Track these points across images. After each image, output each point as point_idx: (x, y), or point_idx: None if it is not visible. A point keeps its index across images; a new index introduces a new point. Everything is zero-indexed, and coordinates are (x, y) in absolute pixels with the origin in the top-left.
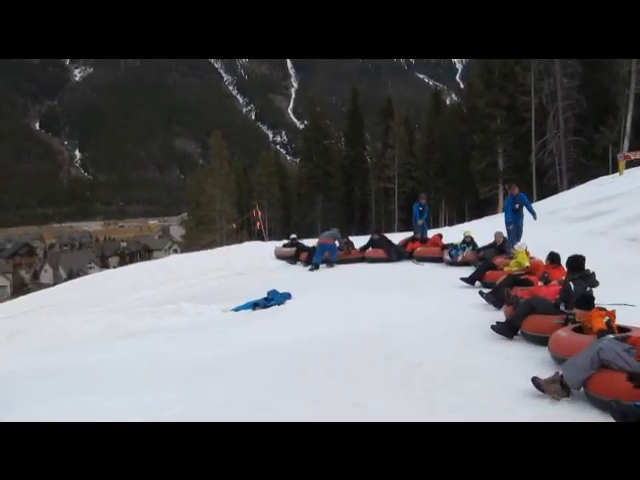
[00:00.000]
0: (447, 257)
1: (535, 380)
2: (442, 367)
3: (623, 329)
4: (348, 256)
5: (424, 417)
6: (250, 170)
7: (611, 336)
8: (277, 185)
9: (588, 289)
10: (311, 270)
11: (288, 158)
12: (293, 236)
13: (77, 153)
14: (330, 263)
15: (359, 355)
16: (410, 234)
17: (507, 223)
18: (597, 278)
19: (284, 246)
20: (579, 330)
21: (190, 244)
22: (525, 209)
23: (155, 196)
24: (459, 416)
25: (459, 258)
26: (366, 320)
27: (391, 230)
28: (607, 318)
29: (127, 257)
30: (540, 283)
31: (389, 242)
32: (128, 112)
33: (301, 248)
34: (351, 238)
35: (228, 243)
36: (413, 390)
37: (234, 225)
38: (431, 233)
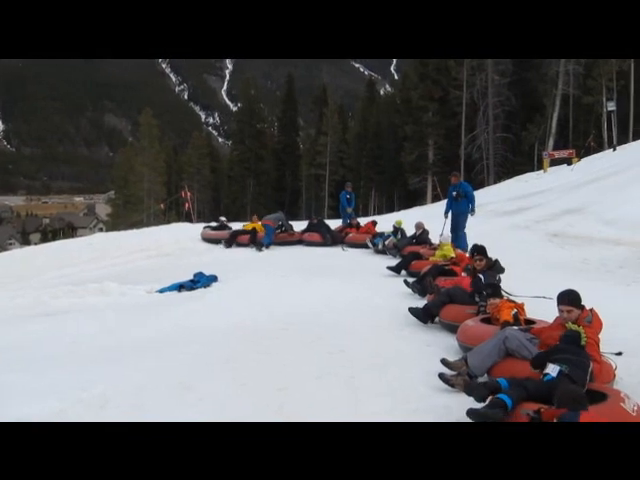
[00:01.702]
0: (369, 245)
1: (442, 376)
2: (365, 353)
3: (529, 321)
4: (291, 238)
5: (346, 402)
6: (181, 150)
7: (515, 327)
8: (208, 167)
9: (497, 278)
10: (259, 251)
11: (220, 140)
12: (222, 219)
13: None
14: (263, 246)
15: (284, 339)
16: (341, 221)
17: (445, 212)
18: (520, 271)
19: (213, 229)
20: (487, 321)
21: (116, 223)
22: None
23: (82, 172)
24: (381, 402)
25: (379, 246)
26: (292, 305)
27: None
28: (515, 310)
29: (50, 234)
30: (464, 274)
31: (327, 227)
32: (56, 85)
33: (240, 232)
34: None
35: (156, 223)
36: (336, 375)
37: (162, 205)
38: (364, 221)
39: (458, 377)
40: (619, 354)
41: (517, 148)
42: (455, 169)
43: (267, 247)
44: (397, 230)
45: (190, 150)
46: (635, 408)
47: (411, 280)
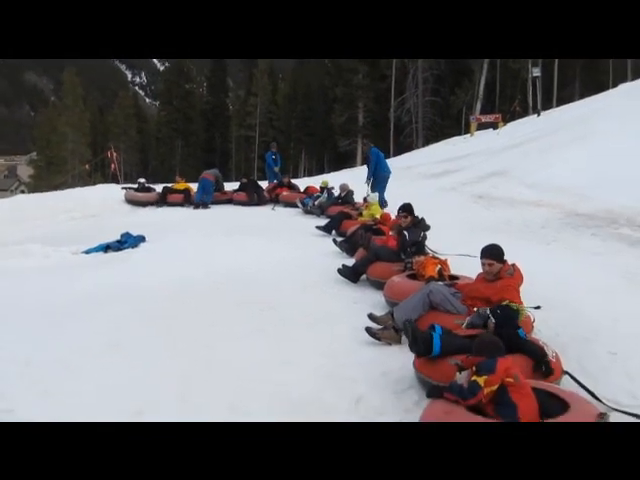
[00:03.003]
0: (299, 205)
1: (369, 330)
2: (295, 310)
3: (454, 277)
4: (222, 197)
5: (274, 358)
6: (106, 110)
7: (440, 282)
8: (134, 128)
9: (422, 234)
10: (196, 209)
11: (147, 100)
12: (142, 180)
13: None
14: (205, 204)
15: (214, 299)
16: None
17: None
18: (446, 231)
19: (136, 190)
20: (413, 277)
21: (39, 185)
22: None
23: (2, 133)
24: (309, 357)
25: (309, 207)
26: (221, 264)
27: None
28: (439, 267)
29: None
30: (392, 233)
31: (256, 187)
32: None
33: (171, 191)
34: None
35: (81, 185)
36: (266, 332)
37: (87, 166)
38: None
39: (384, 331)
40: (538, 308)
41: (445, 112)
42: (384, 132)
43: (207, 206)
44: (324, 190)
45: (116, 110)
46: (553, 355)
47: (339, 239)
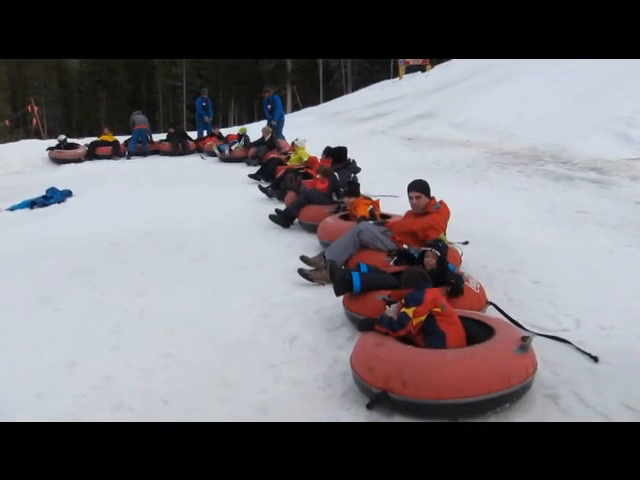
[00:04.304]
0: (216, 151)
1: (302, 271)
2: (226, 257)
3: (385, 216)
4: (151, 147)
5: (206, 301)
6: (25, 64)
7: (371, 222)
8: (56, 80)
9: (352, 176)
10: (129, 158)
11: None
12: (62, 137)
13: None
14: (144, 153)
15: (144, 250)
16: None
17: (268, 121)
18: (376, 173)
19: (57, 148)
20: (345, 218)
21: None
22: None
23: None
24: (240, 299)
25: (226, 152)
26: (150, 215)
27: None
28: (371, 207)
29: None
30: (319, 176)
31: (183, 136)
32: None
33: (99, 144)
34: None
35: (2, 142)
36: (197, 279)
37: (7, 122)
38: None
39: (317, 272)
40: (466, 243)
41: None
42: (313, 78)
43: (145, 155)
44: (241, 137)
45: (35, 63)
46: (478, 286)
47: (265, 185)
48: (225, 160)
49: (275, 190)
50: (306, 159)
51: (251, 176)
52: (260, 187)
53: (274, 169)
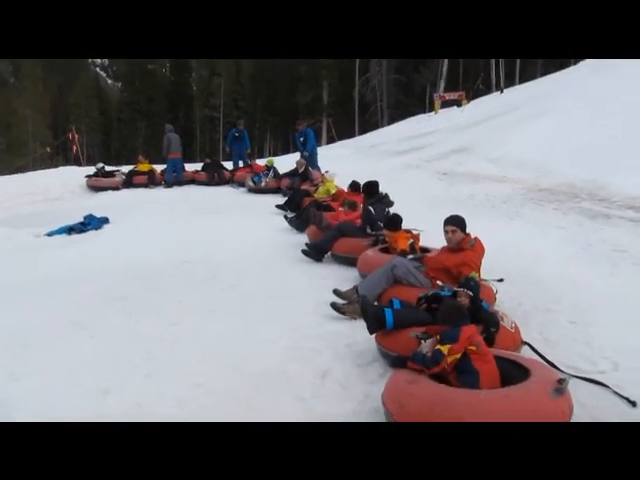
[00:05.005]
0: (250, 183)
1: (334, 305)
2: (258, 287)
3: (425, 250)
4: (186, 177)
5: (236, 331)
6: (67, 91)
7: (410, 256)
8: (96, 109)
9: (387, 210)
10: (168, 187)
11: (109, 82)
12: (100, 165)
13: None
14: (179, 183)
15: (177, 278)
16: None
17: (301, 153)
18: (411, 207)
19: (95, 175)
20: (385, 250)
21: (0, 169)
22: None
23: None
24: (270, 329)
25: (262, 184)
26: (184, 244)
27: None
28: (411, 240)
29: None
30: (341, 209)
31: (219, 167)
32: None
33: (136, 173)
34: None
35: (43, 168)
36: (228, 308)
37: (49, 149)
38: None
39: (349, 305)
40: (501, 280)
41: (410, 90)
42: (349, 111)
43: (180, 184)
44: (270, 168)
45: (77, 91)
46: (513, 325)
47: (290, 215)
48: (255, 191)
49: (297, 221)
50: (333, 192)
51: (278, 206)
52: (285, 217)
53: (301, 200)
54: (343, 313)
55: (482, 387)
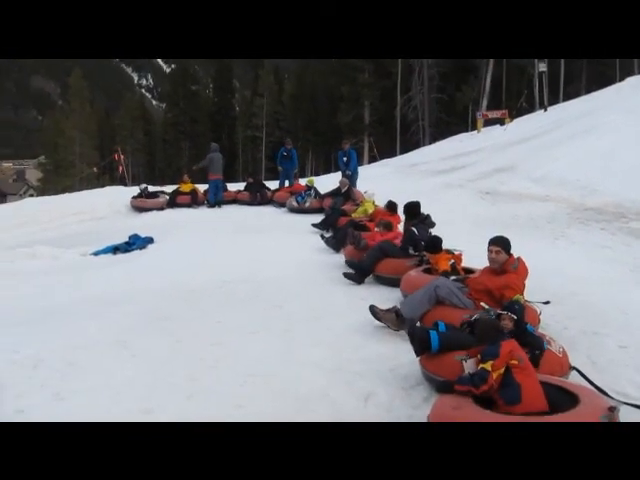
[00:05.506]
0: (294, 203)
1: (372, 308)
2: (300, 308)
3: (468, 270)
4: (228, 197)
5: (279, 353)
6: (113, 113)
7: (453, 277)
8: (141, 130)
9: (430, 231)
10: (211, 207)
11: (154, 103)
12: (144, 186)
13: None
14: (219, 204)
15: (219, 297)
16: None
17: (343, 172)
18: (453, 227)
19: (139, 196)
20: (428, 271)
21: (47, 189)
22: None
23: (9, 137)
24: (314, 352)
25: (306, 204)
26: (226, 264)
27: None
28: (452, 261)
29: None
30: (377, 229)
31: (261, 186)
32: None
33: (179, 193)
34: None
35: (89, 188)
36: (272, 329)
37: (95, 169)
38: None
39: (387, 313)
40: (547, 303)
41: (452, 109)
42: (390, 130)
43: (221, 205)
44: (310, 188)
45: (122, 112)
46: (560, 350)
47: (327, 235)
48: (297, 211)
49: (333, 240)
50: (370, 211)
51: (314, 225)
52: (322, 236)
53: (336, 220)
54: (379, 319)
55: (524, 401)
